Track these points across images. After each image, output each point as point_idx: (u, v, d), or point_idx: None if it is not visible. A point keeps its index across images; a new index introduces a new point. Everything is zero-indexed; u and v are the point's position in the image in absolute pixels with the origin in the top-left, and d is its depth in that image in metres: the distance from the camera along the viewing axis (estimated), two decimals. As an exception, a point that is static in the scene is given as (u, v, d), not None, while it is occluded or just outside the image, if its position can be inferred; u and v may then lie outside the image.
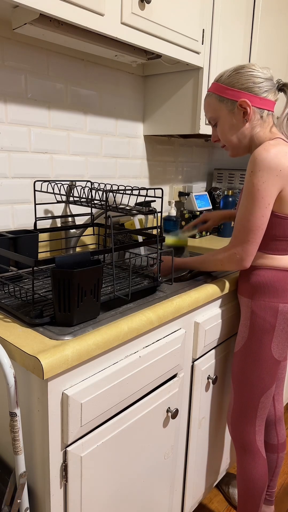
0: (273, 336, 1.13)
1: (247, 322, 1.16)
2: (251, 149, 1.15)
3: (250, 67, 1.07)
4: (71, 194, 1.39)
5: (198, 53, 1.44)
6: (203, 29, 1.43)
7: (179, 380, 1.11)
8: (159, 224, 1.65)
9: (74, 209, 1.50)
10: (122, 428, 0.94)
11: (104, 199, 1.17)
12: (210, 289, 1.14)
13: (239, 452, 1.24)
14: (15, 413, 0.74)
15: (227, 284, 1.21)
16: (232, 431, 1.25)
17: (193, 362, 1.18)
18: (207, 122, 1.15)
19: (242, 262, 1.09)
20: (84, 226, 1.33)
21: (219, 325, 1.23)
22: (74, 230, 1.41)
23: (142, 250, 1.43)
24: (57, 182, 1.40)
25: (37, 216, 1.37)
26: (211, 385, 1.27)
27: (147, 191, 1.63)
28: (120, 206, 1.21)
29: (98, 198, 1.21)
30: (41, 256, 1.41)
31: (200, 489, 1.38)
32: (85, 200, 1.20)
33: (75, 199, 1.36)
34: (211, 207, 1.98)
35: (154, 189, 1.10)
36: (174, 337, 1.04)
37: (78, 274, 0.81)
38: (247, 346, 1.16)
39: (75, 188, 1.43)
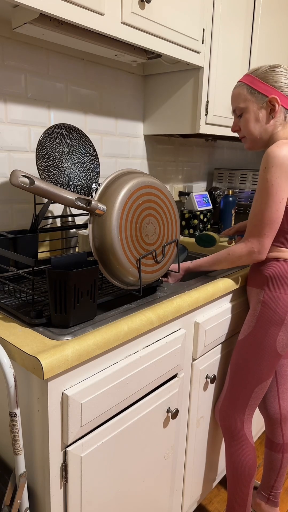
0: (280, 330, 1.15)
1: (256, 312, 1.18)
2: (268, 146, 1.18)
3: (286, 68, 1.14)
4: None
5: (198, 52, 1.44)
6: (203, 29, 1.43)
7: (179, 380, 1.11)
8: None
9: (74, 209, 1.50)
10: (122, 428, 0.94)
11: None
12: (210, 289, 1.14)
13: (226, 439, 1.26)
14: (15, 413, 0.74)
15: (228, 284, 1.21)
16: (220, 417, 1.26)
17: (193, 362, 1.18)
18: (232, 111, 1.22)
19: (259, 255, 1.13)
20: (84, 226, 1.33)
21: (219, 325, 1.23)
22: (74, 230, 1.41)
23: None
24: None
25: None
26: (209, 384, 1.27)
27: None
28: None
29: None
30: (41, 256, 1.41)
31: (198, 489, 1.38)
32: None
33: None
34: (211, 207, 1.97)
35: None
36: (174, 337, 1.04)
37: (74, 275, 0.81)
38: (252, 335, 1.17)
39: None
